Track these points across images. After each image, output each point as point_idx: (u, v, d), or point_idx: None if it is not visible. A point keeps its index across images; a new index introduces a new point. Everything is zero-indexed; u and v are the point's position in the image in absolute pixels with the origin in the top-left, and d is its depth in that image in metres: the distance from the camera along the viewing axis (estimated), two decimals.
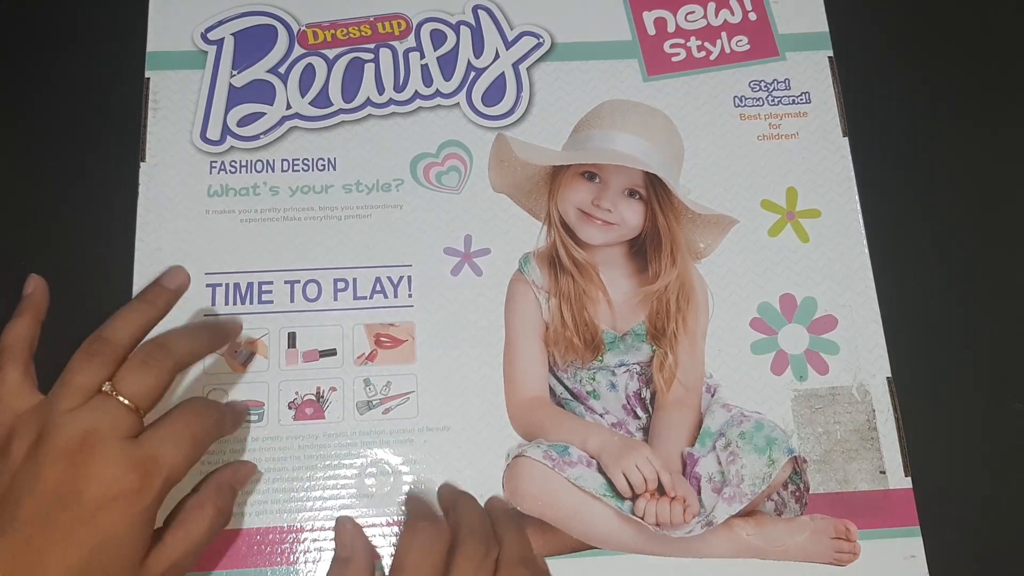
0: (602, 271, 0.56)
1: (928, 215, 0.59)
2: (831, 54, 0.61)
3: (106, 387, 0.43)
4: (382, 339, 0.54)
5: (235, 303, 0.54)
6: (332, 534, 0.50)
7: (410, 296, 0.55)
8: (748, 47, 0.62)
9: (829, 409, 0.54)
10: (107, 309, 0.54)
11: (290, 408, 0.52)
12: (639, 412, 0.54)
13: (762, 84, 0.61)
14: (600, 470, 0.52)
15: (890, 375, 0.55)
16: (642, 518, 0.51)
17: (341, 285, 0.55)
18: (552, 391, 0.54)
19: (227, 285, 0.54)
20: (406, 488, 0.51)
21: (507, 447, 0.52)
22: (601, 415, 0.54)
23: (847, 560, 0.52)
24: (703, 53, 0.61)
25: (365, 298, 0.55)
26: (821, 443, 0.54)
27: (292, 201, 0.56)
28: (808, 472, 0.53)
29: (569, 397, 0.54)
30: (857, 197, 0.58)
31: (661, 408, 0.54)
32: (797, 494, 0.53)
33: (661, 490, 0.52)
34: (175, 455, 0.42)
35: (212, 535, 0.45)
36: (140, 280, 0.54)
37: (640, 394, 0.54)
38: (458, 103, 0.59)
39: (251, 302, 0.54)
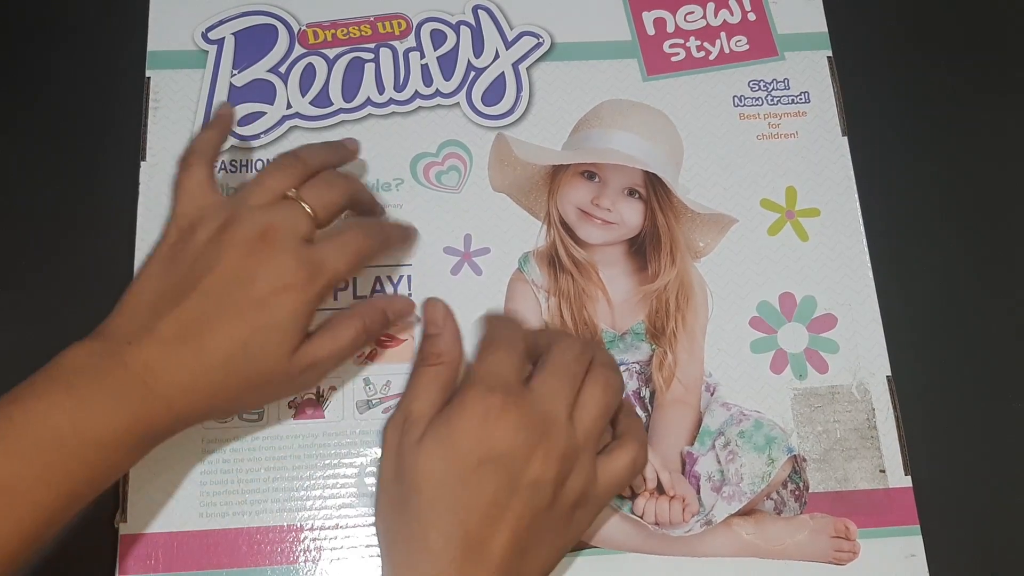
0: (601, 270, 0.56)
1: (928, 214, 0.60)
2: (830, 54, 0.62)
3: (291, 193, 0.47)
4: (382, 338, 0.54)
5: None
6: (333, 533, 0.50)
7: (410, 295, 0.55)
8: (747, 47, 0.62)
9: (829, 408, 0.54)
10: (107, 308, 0.54)
11: (290, 407, 0.52)
12: (638, 411, 0.54)
13: (761, 84, 0.61)
14: None
15: (890, 374, 0.55)
16: (641, 517, 0.51)
17: (341, 284, 0.55)
18: None
19: None
20: None
21: None
22: None
23: (847, 559, 0.52)
24: (702, 53, 0.61)
25: (365, 297, 0.55)
26: (821, 442, 0.54)
27: None
28: (808, 471, 0.53)
29: None
30: (856, 196, 0.58)
31: (660, 407, 0.54)
32: (796, 493, 0.53)
33: (661, 489, 0.52)
34: (339, 262, 0.46)
35: (356, 347, 0.49)
36: None
37: (639, 393, 0.54)
38: (458, 103, 0.59)
39: None
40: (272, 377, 0.45)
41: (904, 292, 0.57)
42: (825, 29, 0.62)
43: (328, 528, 0.51)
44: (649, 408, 0.54)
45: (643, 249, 0.57)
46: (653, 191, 0.57)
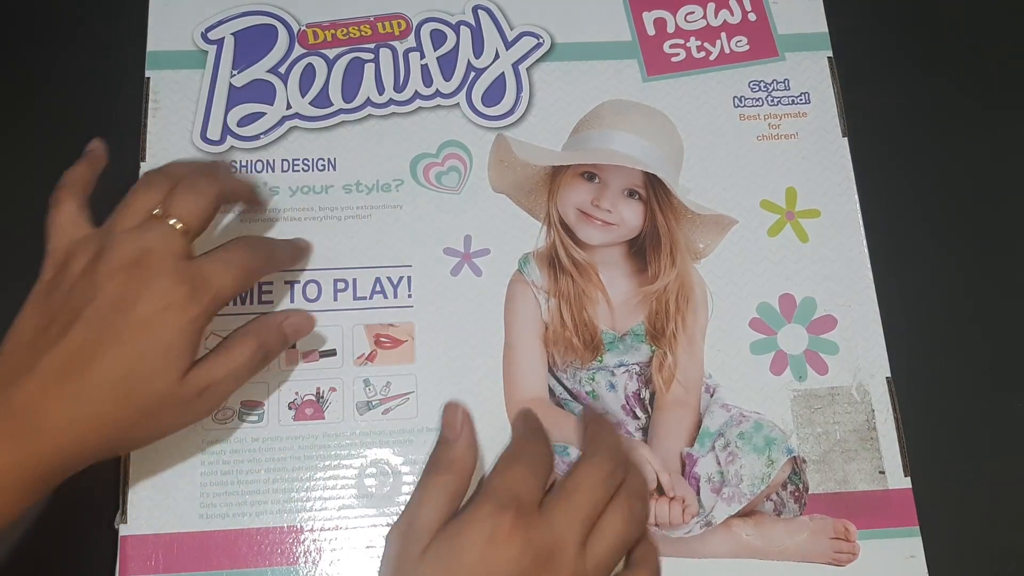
0: (601, 271, 0.56)
1: (928, 215, 0.60)
2: (830, 54, 0.61)
3: (157, 211, 0.46)
4: (382, 339, 0.54)
5: (235, 303, 0.54)
6: (333, 534, 0.50)
7: (410, 296, 0.55)
8: (748, 47, 0.62)
9: (828, 409, 0.54)
10: None
11: (290, 408, 0.53)
12: (638, 412, 0.54)
13: (761, 84, 0.61)
14: None
15: (889, 375, 0.55)
16: None
17: (341, 285, 0.55)
18: (551, 392, 0.54)
19: None
20: (406, 489, 0.51)
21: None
22: None
23: (846, 560, 0.52)
24: (703, 53, 0.61)
25: (365, 298, 0.55)
26: (820, 443, 0.54)
27: (292, 201, 0.56)
28: (807, 472, 0.53)
29: (568, 398, 0.54)
30: (856, 197, 0.58)
31: (660, 408, 0.54)
32: (796, 494, 0.53)
33: (660, 490, 0.52)
34: (224, 277, 0.45)
35: (253, 367, 0.48)
36: None
37: (639, 394, 0.54)
38: (458, 103, 0.59)
39: (251, 303, 0.54)
40: (164, 402, 0.44)
41: (904, 293, 0.57)
42: (826, 29, 0.62)
43: (328, 529, 0.51)
44: (649, 409, 0.54)
45: (643, 250, 0.57)
46: (653, 192, 0.57)
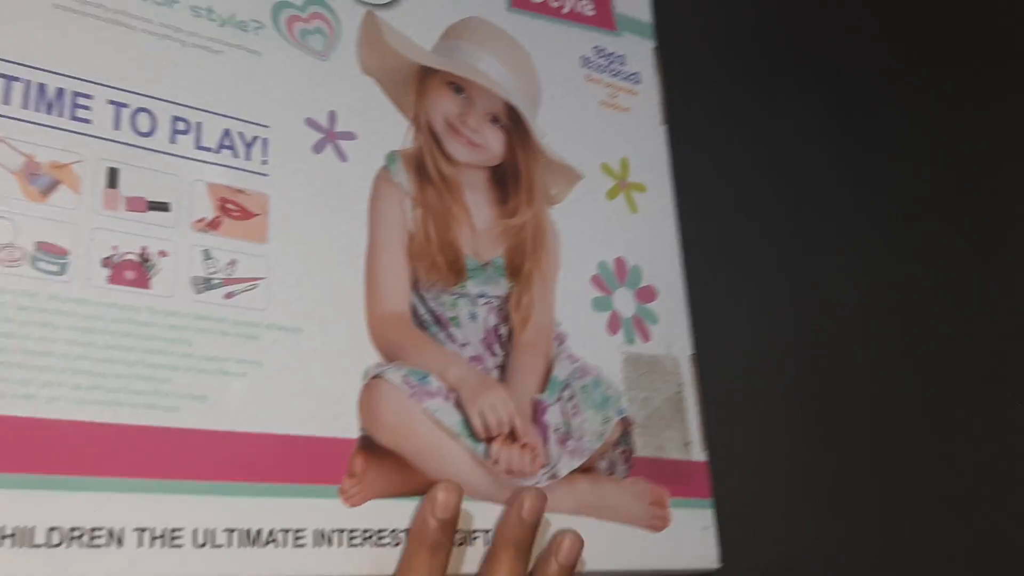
0: (466, 194, 0.51)
1: (741, 207, 0.63)
2: (655, 45, 0.63)
3: None
4: (228, 206, 0.42)
5: (37, 109, 0.38)
6: (141, 435, 0.37)
7: (264, 163, 0.44)
8: (593, 13, 0.61)
9: (650, 375, 0.54)
10: None
11: (105, 266, 0.38)
12: (496, 349, 0.49)
13: (604, 52, 0.60)
14: (458, 406, 0.46)
15: (693, 352, 0.57)
16: (495, 463, 0.46)
17: (181, 126, 0.42)
18: (415, 311, 0.47)
19: (29, 82, 0.39)
20: (238, 383, 0.40)
21: (366, 363, 0.44)
22: (462, 345, 0.48)
23: (661, 526, 0.51)
24: (557, 3, 0.59)
25: (210, 150, 0.42)
26: (644, 408, 0.53)
27: (124, 3, 0.42)
28: (635, 434, 0.52)
29: (431, 321, 0.47)
30: (670, 185, 0.60)
31: (515, 349, 0.50)
32: (625, 455, 0.52)
33: (514, 436, 0.47)
34: None
35: None
36: None
37: (498, 330, 0.49)
38: None
39: (60, 113, 0.39)
40: None
41: (714, 279, 0.60)
42: (651, 20, 0.64)
43: (137, 429, 0.37)
44: (507, 347, 0.49)
45: (504, 181, 0.52)
46: (513, 125, 0.53)
